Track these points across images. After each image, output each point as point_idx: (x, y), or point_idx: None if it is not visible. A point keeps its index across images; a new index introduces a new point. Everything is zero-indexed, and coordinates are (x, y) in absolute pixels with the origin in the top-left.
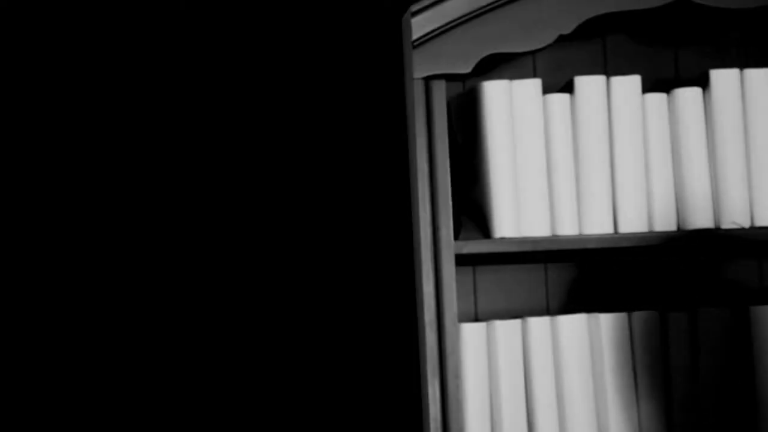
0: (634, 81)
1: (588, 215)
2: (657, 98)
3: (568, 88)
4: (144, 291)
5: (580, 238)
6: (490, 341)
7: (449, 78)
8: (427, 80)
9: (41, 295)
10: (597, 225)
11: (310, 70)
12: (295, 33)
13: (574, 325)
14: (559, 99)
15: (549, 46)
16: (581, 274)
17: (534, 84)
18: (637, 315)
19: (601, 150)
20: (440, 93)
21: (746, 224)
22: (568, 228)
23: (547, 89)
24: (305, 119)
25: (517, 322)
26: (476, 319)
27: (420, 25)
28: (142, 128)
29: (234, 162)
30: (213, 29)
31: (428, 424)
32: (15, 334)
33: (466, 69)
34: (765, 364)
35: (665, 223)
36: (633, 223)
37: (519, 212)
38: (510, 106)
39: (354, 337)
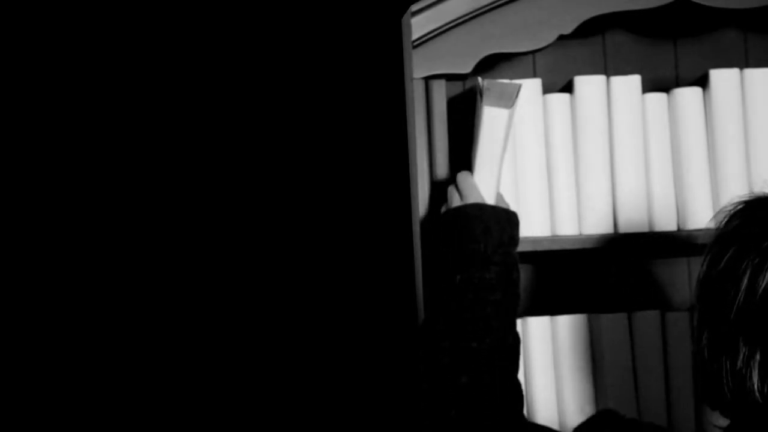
0: (634, 81)
1: (588, 215)
2: (657, 98)
3: (568, 88)
4: (144, 291)
5: (580, 238)
6: None
7: (449, 78)
8: (427, 80)
9: (41, 295)
10: (597, 225)
11: (311, 70)
12: (295, 33)
13: (574, 324)
14: (559, 99)
15: (549, 46)
16: (581, 274)
17: (534, 84)
18: (638, 315)
19: (601, 150)
20: (440, 93)
21: None
22: (568, 228)
23: (547, 89)
24: (305, 119)
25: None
26: None
27: (420, 25)
28: (142, 128)
29: (234, 162)
30: (214, 29)
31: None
32: (15, 334)
33: (466, 69)
34: None
35: (665, 223)
36: (633, 223)
37: (519, 212)
38: None
39: (353, 339)
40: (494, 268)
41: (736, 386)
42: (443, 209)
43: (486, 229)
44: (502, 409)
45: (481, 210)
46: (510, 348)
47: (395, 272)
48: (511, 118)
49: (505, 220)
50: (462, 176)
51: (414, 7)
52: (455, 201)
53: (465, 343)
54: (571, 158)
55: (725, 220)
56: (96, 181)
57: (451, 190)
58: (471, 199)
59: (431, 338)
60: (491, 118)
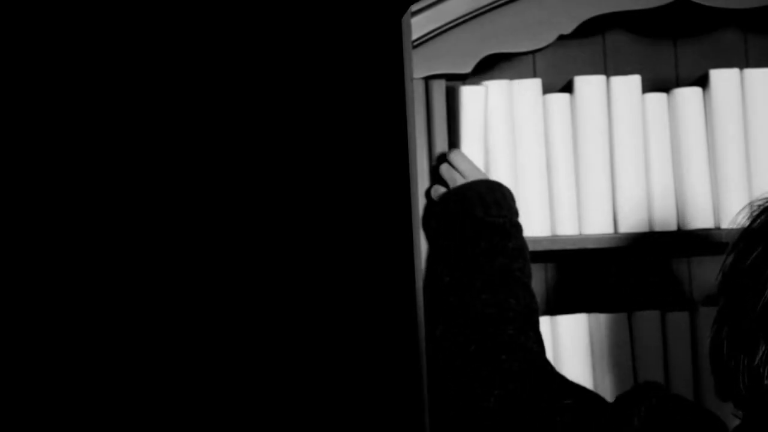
0: (634, 81)
1: (588, 215)
2: (657, 98)
3: (568, 88)
4: (144, 291)
5: (580, 238)
6: None
7: (449, 78)
8: (427, 80)
9: (41, 295)
10: (597, 225)
11: (311, 70)
12: (295, 33)
13: (574, 324)
14: (559, 99)
15: (549, 46)
16: (581, 274)
17: (534, 84)
18: (638, 315)
19: (601, 150)
20: (440, 93)
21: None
22: (568, 228)
23: (547, 89)
24: (305, 119)
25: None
26: None
27: (420, 25)
28: (142, 128)
29: (234, 163)
30: (214, 29)
31: (428, 422)
32: (15, 334)
33: (466, 69)
34: None
35: (665, 223)
36: (633, 223)
37: (519, 212)
38: (510, 106)
39: (353, 338)
40: (513, 240)
41: (752, 384)
42: (438, 191)
43: (496, 202)
44: (540, 356)
45: (488, 185)
46: (536, 311)
47: (396, 271)
48: (486, 97)
49: (509, 195)
50: (460, 156)
51: (414, 7)
52: (458, 180)
53: (504, 296)
54: (571, 158)
55: (754, 214)
56: (96, 181)
57: (449, 169)
58: (474, 176)
59: (467, 293)
60: (469, 97)
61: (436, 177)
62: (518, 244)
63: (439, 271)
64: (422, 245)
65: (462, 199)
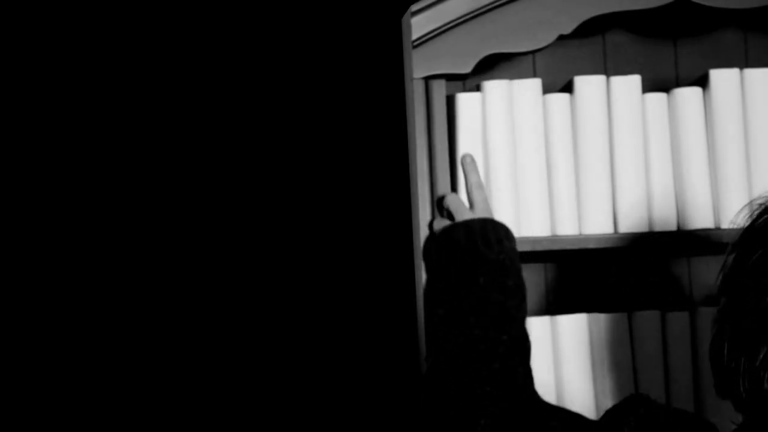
0: (634, 81)
1: (588, 215)
2: (657, 98)
3: (568, 88)
4: (144, 291)
5: (580, 238)
6: None
7: (449, 78)
8: (427, 80)
9: (41, 295)
10: (597, 225)
11: (311, 70)
12: (295, 33)
13: (574, 324)
14: (559, 99)
15: (549, 46)
16: (581, 274)
17: (534, 84)
18: (638, 315)
19: (601, 150)
20: (440, 93)
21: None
22: (568, 228)
23: (547, 89)
24: (305, 119)
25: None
26: None
27: (420, 25)
28: (142, 128)
29: (234, 163)
30: (214, 29)
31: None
32: (15, 334)
33: (466, 69)
34: None
35: (665, 223)
36: (633, 223)
37: (519, 212)
38: (510, 106)
39: (352, 341)
40: (512, 278)
41: (752, 386)
42: (439, 224)
43: (499, 240)
44: (527, 389)
45: (493, 224)
46: (528, 348)
47: (396, 273)
48: (483, 103)
49: (511, 235)
50: (477, 191)
51: (414, 7)
52: (463, 211)
53: (496, 333)
54: (571, 158)
55: (756, 213)
56: (96, 181)
57: (457, 201)
58: (483, 213)
59: (458, 327)
60: (465, 104)
61: (436, 177)
62: (517, 283)
63: (435, 303)
64: (422, 247)
65: (467, 233)
